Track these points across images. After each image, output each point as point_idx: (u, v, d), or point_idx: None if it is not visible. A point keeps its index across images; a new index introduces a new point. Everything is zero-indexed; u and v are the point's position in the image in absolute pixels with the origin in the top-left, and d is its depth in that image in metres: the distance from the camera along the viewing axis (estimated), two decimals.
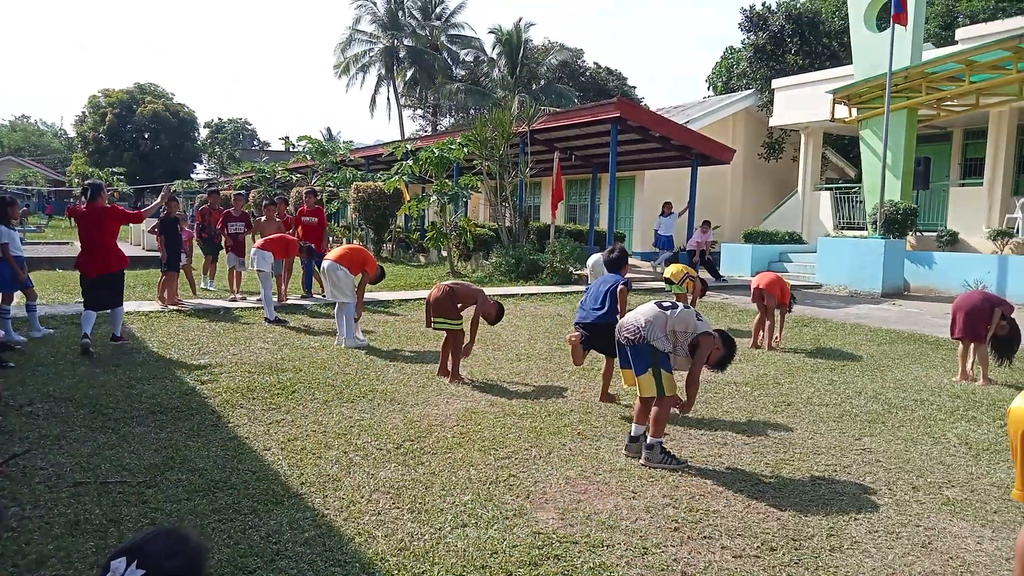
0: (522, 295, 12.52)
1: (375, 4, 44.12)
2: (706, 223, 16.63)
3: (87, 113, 61.60)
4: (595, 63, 45.22)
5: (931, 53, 16.66)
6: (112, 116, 58.46)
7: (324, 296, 10.24)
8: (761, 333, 8.73)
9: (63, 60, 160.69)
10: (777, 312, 8.74)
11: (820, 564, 3.31)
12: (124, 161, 52.96)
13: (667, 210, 18.13)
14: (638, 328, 4.57)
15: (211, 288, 12.64)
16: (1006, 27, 15.81)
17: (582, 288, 13.33)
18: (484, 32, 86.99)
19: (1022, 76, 13.61)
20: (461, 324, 6.70)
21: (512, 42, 37.53)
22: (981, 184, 17.27)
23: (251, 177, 30.59)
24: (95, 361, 6.90)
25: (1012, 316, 6.93)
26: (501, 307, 6.95)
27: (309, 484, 4.08)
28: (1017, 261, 13.87)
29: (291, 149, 33.97)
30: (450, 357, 6.69)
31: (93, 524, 3.50)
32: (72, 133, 70.24)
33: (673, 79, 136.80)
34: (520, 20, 38.33)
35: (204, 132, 73.26)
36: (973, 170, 18.77)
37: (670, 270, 10.43)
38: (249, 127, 79.90)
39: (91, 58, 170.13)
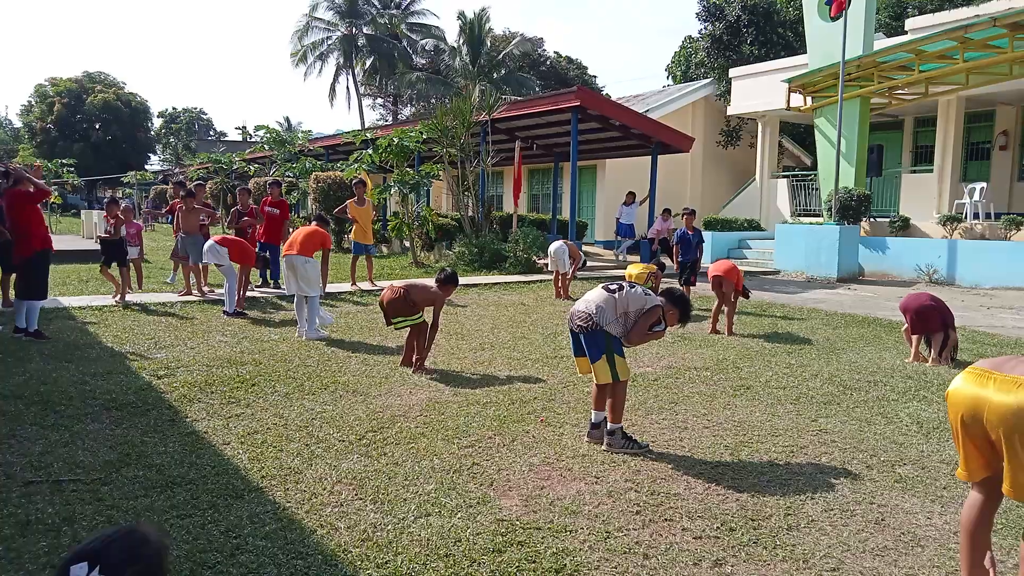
0: (486, 284, 12.51)
1: None
2: (666, 211, 16.80)
3: (34, 103, 59.53)
4: (555, 52, 45.30)
5: (882, 43, 17.03)
6: (60, 106, 56.55)
7: (284, 288, 10.08)
8: (719, 318, 8.86)
9: (5, 47, 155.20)
10: (732, 296, 8.88)
11: (778, 543, 3.39)
12: (75, 152, 51.36)
13: (630, 200, 18.31)
14: (589, 315, 4.58)
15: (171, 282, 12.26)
16: (953, 17, 16.24)
17: (545, 277, 13.38)
18: (444, 20, 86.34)
19: (968, 65, 13.99)
20: (421, 317, 6.66)
21: (473, 31, 37.33)
22: (931, 171, 17.74)
23: (207, 168, 29.96)
24: (46, 357, 6.71)
25: (953, 326, 7.30)
26: (455, 275, 7.01)
27: (270, 477, 4.03)
28: (966, 245, 14.30)
29: (248, 139, 33.40)
30: (415, 348, 6.66)
31: (46, 523, 3.41)
32: (18, 123, 67.93)
33: (633, 68, 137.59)
34: (482, 10, 38.11)
35: (158, 122, 71.49)
36: (924, 157, 19.26)
37: (634, 271, 10.50)
38: (204, 116, 78.21)
39: (35, 44, 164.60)
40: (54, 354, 6.85)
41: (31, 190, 7.89)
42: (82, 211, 32.84)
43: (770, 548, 3.34)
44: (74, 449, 4.39)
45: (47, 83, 59.31)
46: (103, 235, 10.43)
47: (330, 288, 10.71)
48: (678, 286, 5.22)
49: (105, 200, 11.92)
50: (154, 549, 1.66)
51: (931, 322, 7.17)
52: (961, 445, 2.82)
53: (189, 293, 10.64)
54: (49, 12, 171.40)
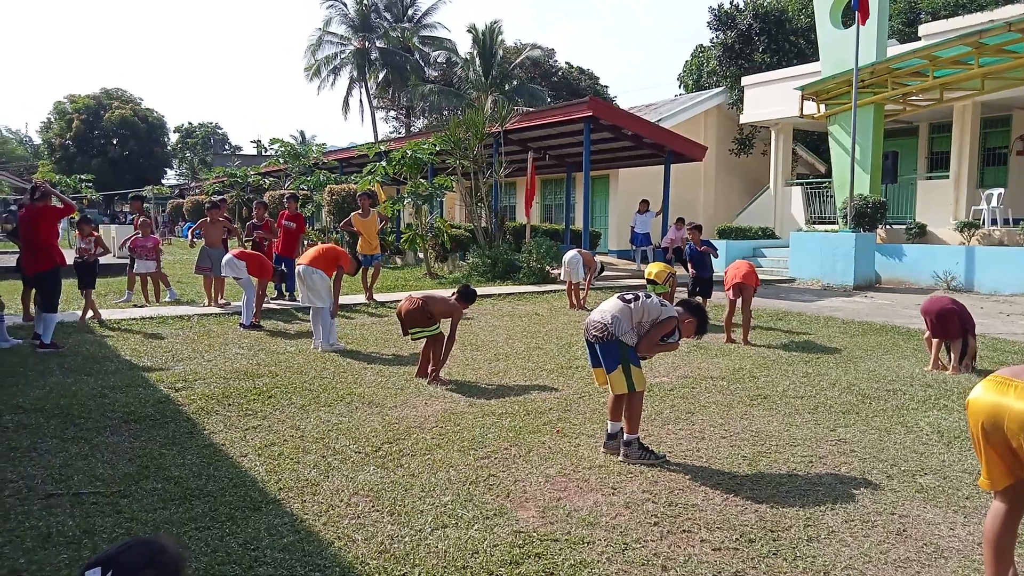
0: (499, 295, 12.52)
1: (345, 5, 43.83)
2: (680, 220, 16.77)
3: (53, 119, 60.48)
4: (567, 63, 45.45)
5: (896, 49, 16.96)
6: (79, 122, 57.45)
7: (300, 301, 10.14)
8: (735, 328, 8.81)
9: (26, 65, 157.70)
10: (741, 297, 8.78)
11: (798, 554, 3.35)
12: (93, 168, 52.08)
13: (644, 208, 18.30)
14: (605, 325, 4.56)
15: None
16: (967, 23, 16.15)
17: (558, 287, 13.37)
18: (455, 33, 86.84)
19: (983, 71, 13.90)
20: (439, 328, 6.68)
21: (485, 43, 37.55)
22: (948, 177, 17.60)
23: (223, 182, 30.25)
24: (65, 371, 6.77)
25: (973, 333, 7.20)
26: (472, 292, 7.05)
27: (287, 489, 4.05)
28: (984, 252, 14.16)
29: (263, 153, 33.72)
30: (431, 359, 6.68)
31: (66, 536, 3.44)
32: (38, 140, 68.98)
33: (645, 77, 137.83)
34: (494, 22, 38.35)
35: (174, 137, 72.39)
36: (940, 163, 19.12)
37: (653, 269, 10.46)
38: (220, 131, 78.99)
39: (55, 63, 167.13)
40: (73, 367, 6.92)
41: (59, 206, 8.07)
42: (100, 226, 33.27)
43: (790, 560, 3.30)
44: (94, 462, 4.42)
45: (66, 100, 60.27)
46: (77, 258, 9.59)
47: (345, 300, 10.75)
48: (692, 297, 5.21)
49: (76, 220, 10.91)
50: (171, 559, 1.67)
51: (951, 326, 7.06)
52: (983, 453, 2.79)
53: (208, 305, 10.73)
54: (68, 30, 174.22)
